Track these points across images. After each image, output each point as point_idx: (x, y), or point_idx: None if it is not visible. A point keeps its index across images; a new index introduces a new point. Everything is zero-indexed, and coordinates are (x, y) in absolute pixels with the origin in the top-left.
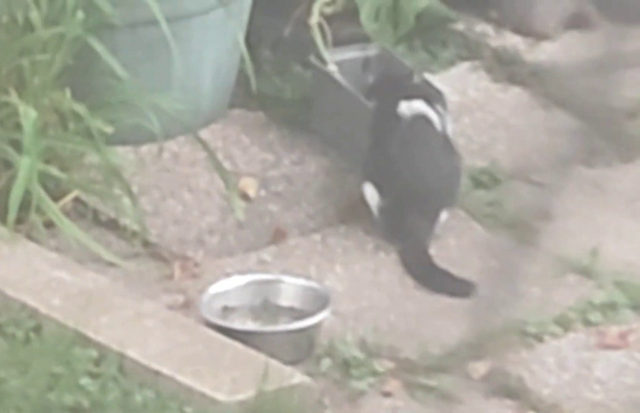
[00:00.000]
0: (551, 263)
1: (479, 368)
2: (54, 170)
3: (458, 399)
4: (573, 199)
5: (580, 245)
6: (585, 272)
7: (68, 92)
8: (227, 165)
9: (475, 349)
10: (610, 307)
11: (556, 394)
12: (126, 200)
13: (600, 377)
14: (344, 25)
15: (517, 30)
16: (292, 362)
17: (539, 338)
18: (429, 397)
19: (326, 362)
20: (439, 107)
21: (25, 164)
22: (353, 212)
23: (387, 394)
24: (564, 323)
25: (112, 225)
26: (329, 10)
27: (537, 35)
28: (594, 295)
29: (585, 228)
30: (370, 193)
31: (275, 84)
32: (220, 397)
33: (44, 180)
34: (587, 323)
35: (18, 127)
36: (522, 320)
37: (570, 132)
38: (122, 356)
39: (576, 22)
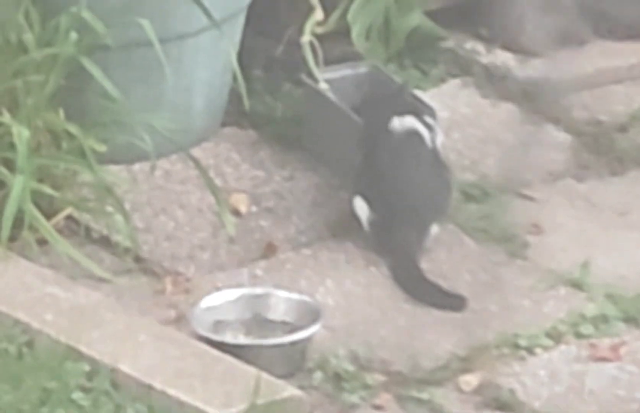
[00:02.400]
0: (542, 276)
1: (471, 381)
2: (47, 189)
3: (450, 412)
4: (564, 213)
5: (571, 258)
6: (576, 285)
7: (61, 112)
8: (218, 182)
9: (466, 362)
10: (601, 320)
11: (548, 407)
12: (118, 217)
13: (592, 389)
14: (336, 44)
15: (507, 47)
16: (284, 376)
17: (530, 351)
18: (421, 410)
19: (318, 376)
20: (429, 122)
21: (18, 183)
22: (343, 227)
23: (378, 407)
24: (556, 336)
25: (105, 242)
26: (320, 29)
27: (527, 52)
28: (585, 308)
29: (576, 242)
30: (361, 207)
31: (266, 103)
32: (212, 410)
33: (37, 198)
34: (579, 335)
35: (12, 146)
36: (514, 333)
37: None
38: (114, 370)
39: (566, 38)
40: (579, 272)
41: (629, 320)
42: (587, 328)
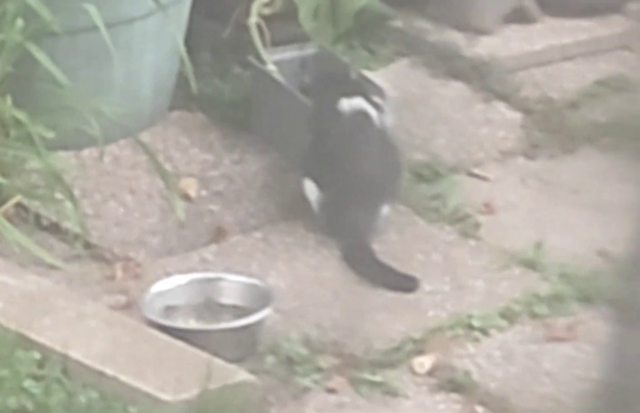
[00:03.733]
0: (495, 256)
1: (425, 362)
2: None
3: (404, 394)
4: (516, 192)
5: (523, 237)
6: (530, 264)
7: (9, 99)
8: (167, 166)
9: (420, 344)
10: (556, 299)
11: (504, 388)
12: (68, 204)
13: (548, 370)
14: (283, 25)
15: (456, 26)
16: (236, 360)
17: (484, 332)
18: (375, 392)
19: (270, 359)
20: (378, 102)
21: None
22: (294, 209)
23: (332, 390)
24: (510, 316)
25: (54, 228)
26: (267, 11)
27: (476, 30)
28: (539, 288)
29: (529, 221)
30: (310, 189)
31: (215, 85)
32: (165, 396)
33: None
34: (534, 315)
35: None
36: (467, 314)
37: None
38: (65, 357)
39: (516, 16)
40: (532, 251)
41: (583, 299)
42: (541, 308)
